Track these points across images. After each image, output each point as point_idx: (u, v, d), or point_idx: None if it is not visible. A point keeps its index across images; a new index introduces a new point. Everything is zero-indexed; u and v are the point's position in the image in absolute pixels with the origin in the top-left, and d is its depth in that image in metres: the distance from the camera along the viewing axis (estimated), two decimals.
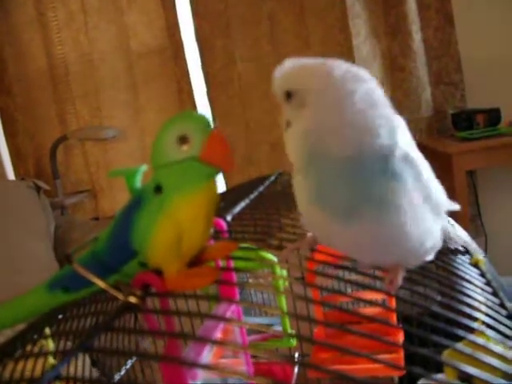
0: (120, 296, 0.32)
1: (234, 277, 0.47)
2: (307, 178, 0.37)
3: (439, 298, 0.35)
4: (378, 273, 0.40)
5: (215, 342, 0.38)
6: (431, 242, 0.39)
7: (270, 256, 0.57)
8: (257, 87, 1.92)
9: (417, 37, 1.85)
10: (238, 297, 0.50)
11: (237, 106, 1.95)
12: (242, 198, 0.55)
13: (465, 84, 1.87)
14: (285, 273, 0.62)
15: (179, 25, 1.96)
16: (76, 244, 1.77)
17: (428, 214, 0.38)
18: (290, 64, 0.40)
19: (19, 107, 2.09)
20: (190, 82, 1.97)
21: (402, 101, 1.87)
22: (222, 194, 0.67)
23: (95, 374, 1.03)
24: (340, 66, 0.38)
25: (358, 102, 0.36)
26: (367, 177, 0.35)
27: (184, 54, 1.96)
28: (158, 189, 0.37)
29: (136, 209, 0.37)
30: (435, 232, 0.40)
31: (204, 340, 0.36)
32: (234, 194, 0.62)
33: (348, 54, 1.83)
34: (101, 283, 0.35)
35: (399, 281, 0.38)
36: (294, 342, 0.71)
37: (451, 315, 0.33)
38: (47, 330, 0.38)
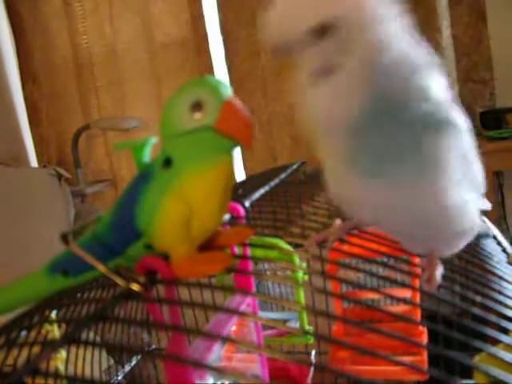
0: (121, 282, 0.29)
1: (251, 266, 0.44)
2: (356, 136, 0.30)
3: (471, 294, 0.32)
4: (405, 267, 0.37)
5: (226, 339, 0.35)
6: (469, 220, 0.34)
7: (288, 247, 0.55)
8: (280, 80, 1.89)
9: (446, 32, 1.80)
10: (254, 288, 0.48)
11: (259, 99, 1.93)
12: (261, 185, 0.53)
13: (495, 82, 1.81)
14: (304, 265, 0.60)
15: (204, 16, 1.94)
16: None
17: (466, 181, 0.33)
18: None
19: (43, 96, 2.10)
20: (213, 75, 1.95)
21: None
22: (241, 183, 0.64)
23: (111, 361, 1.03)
24: None
25: (402, 32, 0.31)
26: (405, 128, 0.30)
27: (208, 46, 1.94)
28: (168, 162, 0.33)
29: (142, 184, 0.33)
30: (473, 209, 0.35)
31: (214, 336, 0.33)
32: (253, 181, 0.60)
33: None
34: (100, 266, 0.31)
35: (438, 278, 0.34)
36: (311, 339, 0.69)
37: (484, 315, 0.30)
38: (51, 315, 0.36)
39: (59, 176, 1.77)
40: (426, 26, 1.80)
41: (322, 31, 0.30)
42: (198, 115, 0.32)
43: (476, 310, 0.29)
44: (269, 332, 0.75)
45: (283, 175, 0.59)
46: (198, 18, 1.94)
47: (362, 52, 0.30)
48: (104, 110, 2.06)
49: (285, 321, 0.93)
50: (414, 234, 0.35)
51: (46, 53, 2.08)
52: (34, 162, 2.11)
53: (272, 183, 0.54)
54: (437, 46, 1.81)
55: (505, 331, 0.31)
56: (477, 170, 0.37)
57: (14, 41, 2.08)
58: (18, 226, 1.59)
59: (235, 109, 0.33)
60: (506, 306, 0.32)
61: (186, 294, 0.44)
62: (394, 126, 0.30)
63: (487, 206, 0.43)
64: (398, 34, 0.31)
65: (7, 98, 2.02)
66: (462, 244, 0.37)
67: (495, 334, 0.28)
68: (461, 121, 0.34)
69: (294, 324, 0.88)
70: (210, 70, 1.95)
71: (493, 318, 0.29)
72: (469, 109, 1.83)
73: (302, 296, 0.63)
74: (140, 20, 1.99)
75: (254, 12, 1.89)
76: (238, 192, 0.49)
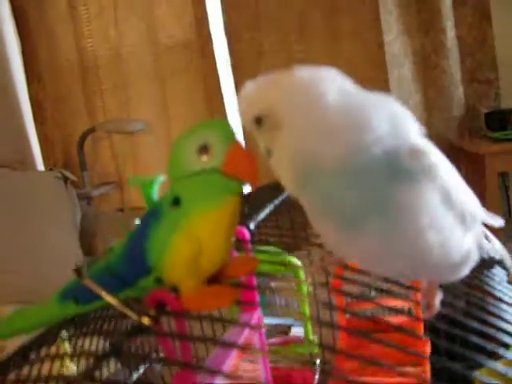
0: (133, 315, 0.30)
1: (257, 296, 0.45)
2: (309, 196, 0.34)
3: (475, 324, 0.33)
4: (404, 292, 0.37)
5: (230, 375, 0.36)
6: (459, 254, 0.35)
7: (295, 260, 0.56)
8: None
9: (451, 33, 1.80)
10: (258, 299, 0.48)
11: None
12: (265, 204, 0.53)
13: (499, 82, 1.81)
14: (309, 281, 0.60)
15: (208, 18, 1.95)
16: (101, 235, 1.79)
17: (449, 218, 0.34)
18: (251, 87, 0.37)
19: (49, 99, 2.11)
20: (217, 76, 1.96)
21: (433, 99, 1.82)
22: (245, 197, 0.65)
23: None
24: (301, 74, 0.36)
25: (333, 101, 0.33)
26: (370, 181, 0.32)
27: (212, 48, 1.95)
28: (176, 201, 0.34)
29: (152, 222, 0.35)
30: (464, 242, 0.36)
31: (220, 371, 0.34)
32: (257, 197, 0.60)
33: (379, 51, 1.79)
34: (112, 300, 0.33)
35: (437, 305, 0.35)
36: (316, 347, 0.70)
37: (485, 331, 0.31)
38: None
39: (65, 179, 1.79)
40: (431, 27, 1.80)
41: (258, 122, 0.35)
42: (204, 158, 0.34)
43: (476, 339, 0.30)
44: (273, 340, 0.76)
45: (287, 193, 0.59)
46: (201, 20, 1.95)
47: (288, 136, 0.34)
48: (109, 112, 2.07)
49: (289, 326, 0.94)
50: (401, 274, 0.36)
51: (51, 56, 2.09)
52: (40, 164, 2.12)
53: (276, 201, 0.54)
54: (441, 47, 1.81)
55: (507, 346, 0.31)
56: (466, 202, 0.37)
57: (20, 43, 2.10)
58: (25, 229, 1.60)
59: (241, 152, 0.34)
60: (507, 332, 0.32)
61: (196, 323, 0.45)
62: (352, 183, 0.32)
63: (497, 222, 0.43)
64: (338, 100, 0.34)
65: (13, 101, 2.03)
66: (460, 273, 0.37)
67: (497, 348, 0.29)
68: (436, 161, 0.34)
69: (299, 330, 0.89)
70: (214, 71, 1.96)
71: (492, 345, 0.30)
72: (473, 110, 1.82)
73: (306, 307, 0.64)
74: (144, 23, 1.99)
75: (258, 13, 1.90)
76: (243, 209, 0.50)
